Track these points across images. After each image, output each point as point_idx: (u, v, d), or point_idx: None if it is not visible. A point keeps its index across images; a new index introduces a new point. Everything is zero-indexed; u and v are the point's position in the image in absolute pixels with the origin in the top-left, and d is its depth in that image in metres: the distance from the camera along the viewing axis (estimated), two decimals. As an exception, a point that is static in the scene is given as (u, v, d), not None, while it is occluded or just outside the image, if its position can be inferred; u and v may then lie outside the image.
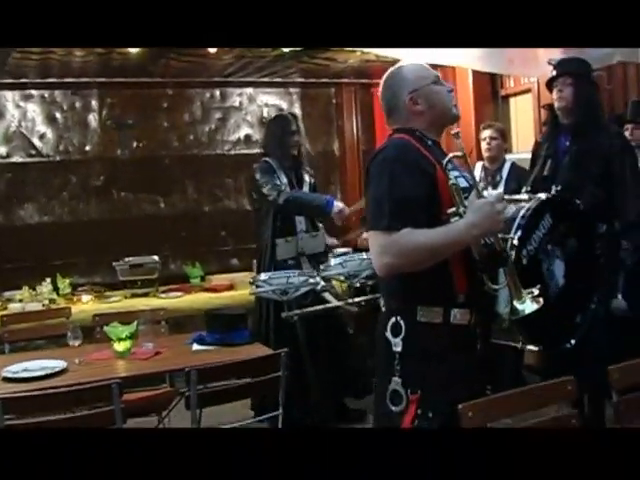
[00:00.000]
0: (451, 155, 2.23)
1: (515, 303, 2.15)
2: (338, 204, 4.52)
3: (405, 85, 2.31)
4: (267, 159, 4.72)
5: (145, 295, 5.73)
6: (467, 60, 5.33)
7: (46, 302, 5.44)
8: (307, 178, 4.86)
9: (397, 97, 2.32)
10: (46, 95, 6.29)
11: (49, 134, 6.35)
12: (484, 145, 5.11)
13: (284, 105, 6.96)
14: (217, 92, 6.75)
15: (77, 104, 6.37)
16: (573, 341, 2.66)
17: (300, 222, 4.69)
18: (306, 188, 4.82)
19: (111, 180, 6.48)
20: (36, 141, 6.29)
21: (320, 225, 4.85)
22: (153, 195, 6.60)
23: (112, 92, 6.41)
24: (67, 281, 5.76)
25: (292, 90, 6.95)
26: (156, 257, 5.89)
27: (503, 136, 5.19)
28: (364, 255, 4.15)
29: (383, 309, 2.30)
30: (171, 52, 5.40)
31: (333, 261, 4.22)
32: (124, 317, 4.21)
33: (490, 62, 5.32)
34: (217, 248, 6.70)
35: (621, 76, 5.22)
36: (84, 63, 5.54)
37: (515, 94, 5.92)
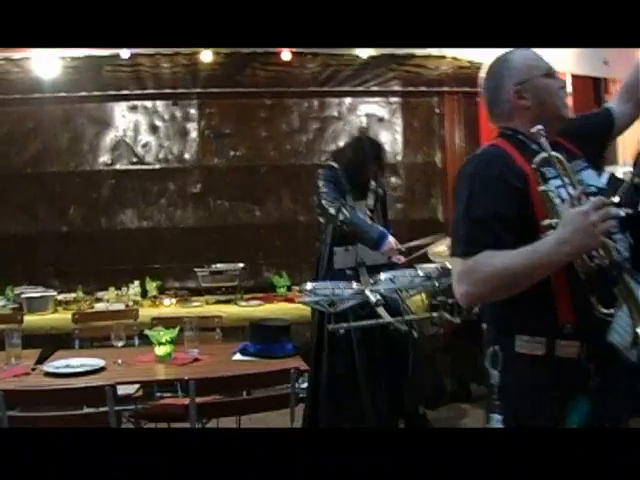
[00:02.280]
0: (541, 157, 1.87)
1: (638, 330, 1.72)
2: (389, 242, 4.36)
3: (512, 75, 1.99)
4: (333, 164, 4.61)
5: (227, 302, 5.80)
6: (562, 62, 4.95)
7: (130, 303, 5.65)
8: (374, 187, 4.70)
9: (501, 88, 2.01)
10: (149, 105, 6.53)
11: (150, 143, 6.58)
12: None
13: (385, 115, 6.82)
14: (315, 102, 6.72)
15: (177, 114, 6.57)
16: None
17: None
18: (371, 198, 4.66)
19: (208, 188, 6.61)
20: (138, 149, 6.55)
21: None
22: (249, 204, 6.66)
23: (211, 102, 6.55)
24: (154, 284, 5.94)
25: (392, 100, 6.79)
26: (240, 265, 5.95)
27: None
28: (419, 272, 3.96)
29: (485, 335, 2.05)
30: (254, 62, 5.45)
31: (383, 275, 4.06)
32: (178, 322, 4.27)
33: (585, 64, 4.92)
34: (312, 258, 6.63)
35: None
36: (173, 74, 5.70)
37: (622, 101, 5.42)
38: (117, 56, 4.82)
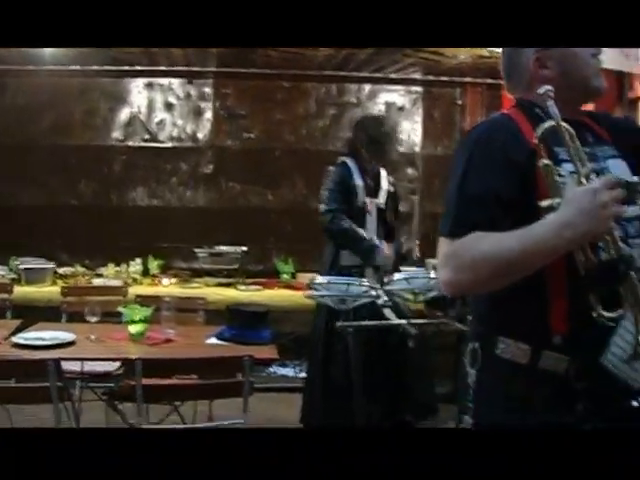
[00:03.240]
0: (547, 125, 1.60)
1: None
2: (382, 252, 4.29)
3: None
4: (345, 159, 4.50)
5: (228, 285, 5.73)
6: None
7: (129, 281, 5.61)
8: (386, 186, 4.56)
9: (519, 54, 1.76)
10: (164, 83, 6.47)
11: (164, 121, 6.52)
12: None
13: (406, 104, 6.63)
14: (334, 87, 6.55)
15: (192, 93, 6.49)
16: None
17: (370, 230, 4.42)
18: (382, 196, 4.51)
19: (220, 169, 6.52)
20: (152, 127, 6.49)
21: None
22: (261, 187, 6.55)
23: (226, 82, 6.45)
24: (156, 263, 5.90)
25: (413, 89, 6.59)
26: (242, 248, 5.87)
27: None
28: (432, 274, 3.82)
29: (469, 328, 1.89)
30: (266, 41, 5.31)
31: (397, 276, 3.94)
32: (160, 301, 4.19)
33: (606, 57, 4.66)
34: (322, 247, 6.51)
35: None
36: (184, 50, 5.61)
37: (646, 97, 5.14)
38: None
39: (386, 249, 4.35)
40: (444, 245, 1.61)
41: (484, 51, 5.35)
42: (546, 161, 1.57)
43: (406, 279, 3.87)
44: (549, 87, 1.63)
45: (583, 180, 1.55)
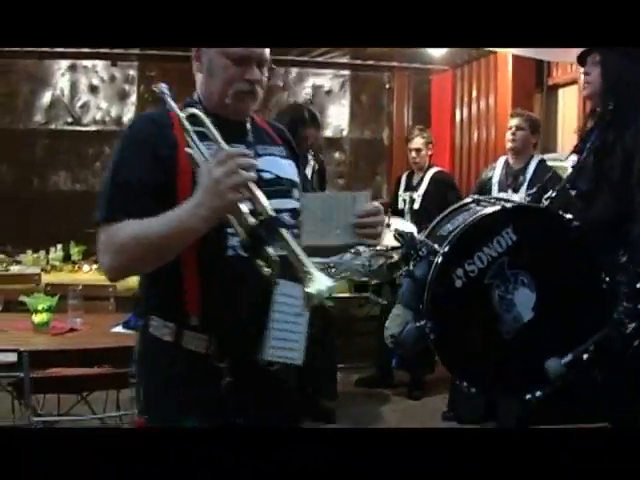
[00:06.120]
0: (188, 113, 1.70)
1: (306, 287, 1.48)
2: None
3: None
4: None
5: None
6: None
7: (48, 267, 5.51)
8: (311, 161, 4.50)
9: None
10: (89, 65, 6.34)
11: (88, 104, 6.40)
12: (508, 135, 4.43)
13: (335, 87, 6.60)
14: (260, 70, 6.48)
15: (117, 75, 6.38)
16: (539, 392, 2.11)
17: None
18: (308, 170, 4.47)
19: (145, 153, 6.42)
20: (75, 110, 6.37)
21: None
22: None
23: (151, 65, 6.35)
24: (77, 249, 5.78)
25: (342, 72, 6.57)
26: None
27: (533, 127, 4.42)
28: None
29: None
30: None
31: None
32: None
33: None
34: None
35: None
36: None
37: (564, 85, 5.20)
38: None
39: None
40: (100, 232, 1.70)
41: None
42: (189, 150, 1.65)
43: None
44: (164, 85, 1.78)
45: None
